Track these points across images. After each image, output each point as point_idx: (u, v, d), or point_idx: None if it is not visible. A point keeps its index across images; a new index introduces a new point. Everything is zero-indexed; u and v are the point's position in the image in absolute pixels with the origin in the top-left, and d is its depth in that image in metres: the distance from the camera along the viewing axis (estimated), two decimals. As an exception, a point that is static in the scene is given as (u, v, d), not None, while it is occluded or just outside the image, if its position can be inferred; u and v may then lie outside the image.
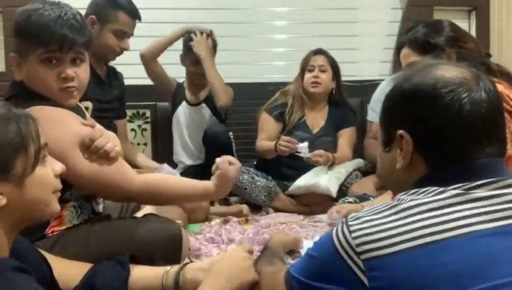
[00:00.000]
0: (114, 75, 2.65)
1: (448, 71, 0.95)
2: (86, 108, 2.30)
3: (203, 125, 3.05)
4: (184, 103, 3.11)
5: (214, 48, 3.03)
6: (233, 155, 3.03)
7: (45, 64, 1.50)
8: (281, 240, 1.46)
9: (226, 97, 2.95)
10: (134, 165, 2.61)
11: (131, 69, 2.94)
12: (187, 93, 3.13)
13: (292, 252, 1.50)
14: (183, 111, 3.12)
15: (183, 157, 3.15)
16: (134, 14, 2.51)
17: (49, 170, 1.05)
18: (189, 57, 3.02)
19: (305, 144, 2.78)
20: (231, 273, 1.23)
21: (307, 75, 2.97)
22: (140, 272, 1.31)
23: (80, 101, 2.27)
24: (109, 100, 2.53)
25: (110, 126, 2.58)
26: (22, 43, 1.52)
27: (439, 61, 1.02)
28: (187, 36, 3.01)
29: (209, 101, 3.06)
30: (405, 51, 1.95)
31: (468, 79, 0.93)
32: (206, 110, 3.10)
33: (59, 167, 1.08)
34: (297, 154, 2.78)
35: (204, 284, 1.21)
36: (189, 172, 3.03)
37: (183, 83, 3.16)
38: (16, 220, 1.00)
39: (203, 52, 2.94)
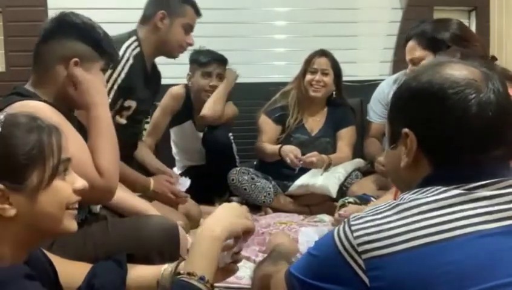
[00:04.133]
0: (157, 75, 2.59)
1: (458, 70, 0.93)
2: (129, 107, 2.28)
3: (202, 148, 3.00)
4: (190, 122, 3.02)
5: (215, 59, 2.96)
6: (233, 156, 3.04)
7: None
8: (288, 243, 1.46)
9: (212, 111, 2.84)
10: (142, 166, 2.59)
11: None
12: (195, 114, 2.99)
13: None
14: (188, 130, 3.04)
15: (179, 162, 3.14)
16: (198, 10, 2.50)
17: (69, 185, 1.03)
18: (190, 69, 2.96)
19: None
20: (230, 218, 1.15)
21: (309, 77, 2.97)
22: (136, 271, 1.30)
23: (126, 98, 2.24)
24: (147, 99, 2.46)
25: (136, 135, 2.54)
26: (91, 52, 1.55)
27: (451, 58, 0.99)
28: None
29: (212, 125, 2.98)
30: (411, 44, 1.97)
31: (477, 80, 0.91)
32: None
33: (81, 183, 1.06)
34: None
35: (205, 227, 1.13)
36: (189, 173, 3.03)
37: (190, 95, 3.02)
38: (25, 234, 0.97)
39: (229, 77, 2.92)
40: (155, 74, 2.55)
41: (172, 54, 2.47)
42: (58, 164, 0.99)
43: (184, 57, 2.97)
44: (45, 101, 1.47)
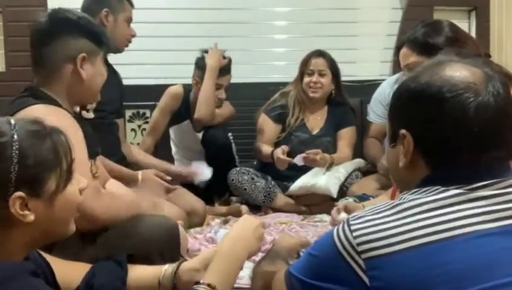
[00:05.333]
0: (114, 73, 2.61)
1: (458, 71, 0.92)
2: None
3: (201, 148, 3.00)
4: (188, 122, 3.02)
5: (226, 69, 2.94)
6: (233, 156, 3.04)
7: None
8: (288, 243, 1.46)
9: (206, 111, 2.84)
10: (135, 165, 2.60)
11: (131, 69, 2.95)
12: (193, 115, 2.97)
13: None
14: (185, 130, 3.04)
15: (179, 161, 3.15)
16: (132, 2, 2.61)
17: (76, 187, 1.04)
18: (198, 74, 2.93)
19: (299, 156, 2.78)
20: (253, 241, 1.26)
21: (306, 79, 2.97)
22: (137, 272, 1.31)
23: None
24: (109, 98, 2.47)
25: (112, 126, 2.57)
26: (93, 45, 1.57)
27: (451, 58, 0.98)
28: (200, 53, 2.95)
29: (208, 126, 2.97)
30: (404, 51, 1.95)
31: (476, 83, 0.90)
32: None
33: (84, 183, 1.07)
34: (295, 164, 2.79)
35: (230, 245, 1.23)
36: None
37: (189, 96, 3.02)
38: (37, 237, 0.99)
39: (210, 61, 2.86)
40: (113, 73, 2.56)
41: (119, 49, 2.55)
42: (71, 166, 1.01)
43: (181, 57, 2.99)
44: (58, 105, 1.49)
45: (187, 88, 3.02)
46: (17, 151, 0.93)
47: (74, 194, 1.03)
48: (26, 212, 0.94)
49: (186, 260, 1.43)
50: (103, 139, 1.90)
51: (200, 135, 3.00)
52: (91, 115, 2.27)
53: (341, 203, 2.27)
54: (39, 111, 1.40)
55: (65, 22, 1.55)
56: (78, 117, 1.60)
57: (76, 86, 1.56)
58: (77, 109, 2.23)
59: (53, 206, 0.98)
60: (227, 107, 3.05)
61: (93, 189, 1.43)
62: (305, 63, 2.99)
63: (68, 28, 1.55)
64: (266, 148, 2.92)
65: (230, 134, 3.04)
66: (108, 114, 2.45)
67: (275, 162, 2.82)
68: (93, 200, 1.41)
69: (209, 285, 1.11)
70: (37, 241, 1.01)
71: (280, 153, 2.79)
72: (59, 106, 1.51)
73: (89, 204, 1.39)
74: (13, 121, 0.97)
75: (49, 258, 1.18)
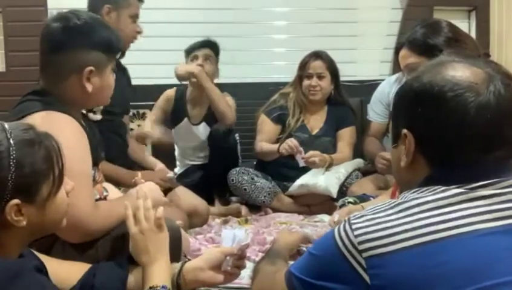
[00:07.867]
0: (122, 71, 2.55)
1: (460, 71, 0.92)
2: None
3: (205, 142, 3.00)
4: (186, 120, 3.04)
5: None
6: (237, 157, 3.04)
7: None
8: (287, 241, 1.45)
9: (232, 115, 2.89)
10: (141, 166, 2.59)
11: (130, 69, 2.94)
12: (190, 110, 3.04)
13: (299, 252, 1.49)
14: (184, 128, 3.06)
15: (180, 161, 3.17)
16: None
17: (64, 191, 1.06)
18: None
19: (299, 156, 2.79)
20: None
21: (306, 82, 2.97)
22: (139, 273, 1.30)
23: None
24: (118, 99, 2.46)
25: (120, 128, 2.51)
26: (104, 57, 1.50)
27: (453, 58, 0.97)
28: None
29: (209, 118, 2.99)
30: (403, 52, 1.94)
31: (477, 83, 0.90)
32: (207, 129, 3.00)
33: (70, 185, 1.09)
34: (295, 158, 2.79)
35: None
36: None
37: (184, 94, 3.06)
38: (30, 236, 1.04)
39: (189, 70, 2.88)
40: (122, 71, 2.51)
41: (124, 46, 2.43)
42: (62, 174, 1.03)
43: (181, 57, 2.99)
44: (66, 111, 1.45)
45: (180, 90, 3.05)
46: (14, 161, 0.94)
47: (63, 198, 1.06)
48: (20, 217, 0.97)
49: (189, 259, 1.43)
50: (109, 142, 1.86)
51: (199, 128, 3.01)
52: (97, 117, 2.22)
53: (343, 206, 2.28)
54: (45, 119, 1.38)
55: (78, 33, 1.47)
56: (84, 119, 1.57)
57: (82, 97, 1.50)
58: (84, 110, 2.21)
59: (45, 211, 1.01)
60: (229, 100, 3.04)
61: (91, 206, 1.40)
62: (303, 66, 2.99)
63: (79, 39, 1.47)
64: (270, 145, 2.93)
65: (237, 134, 3.03)
66: (116, 115, 2.41)
67: (282, 154, 2.82)
68: (90, 216, 1.38)
69: (150, 287, 1.17)
70: (29, 240, 1.05)
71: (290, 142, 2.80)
72: (67, 111, 1.45)
73: (85, 220, 1.36)
74: (7, 127, 0.98)
75: (45, 258, 1.19)
